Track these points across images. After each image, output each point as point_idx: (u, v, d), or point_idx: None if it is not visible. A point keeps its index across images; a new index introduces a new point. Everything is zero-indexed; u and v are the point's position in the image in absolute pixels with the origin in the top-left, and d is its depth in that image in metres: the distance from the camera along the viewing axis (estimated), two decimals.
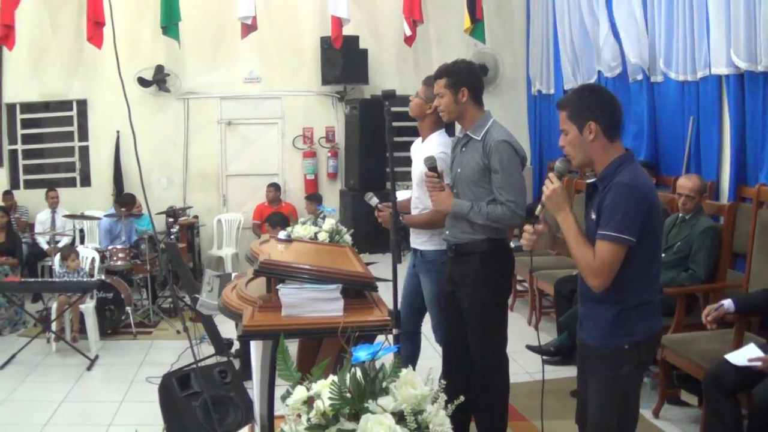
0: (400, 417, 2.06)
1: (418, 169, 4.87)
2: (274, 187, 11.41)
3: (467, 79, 4.39)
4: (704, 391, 4.59)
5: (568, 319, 6.41)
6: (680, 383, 5.43)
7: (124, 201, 9.71)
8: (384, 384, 2.11)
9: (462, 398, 2.14)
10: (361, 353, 2.11)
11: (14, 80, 11.43)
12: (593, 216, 3.24)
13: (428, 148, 4.84)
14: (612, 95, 3.34)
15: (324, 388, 2.11)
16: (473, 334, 4.36)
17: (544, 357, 6.41)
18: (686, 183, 5.97)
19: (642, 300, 3.21)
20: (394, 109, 4.27)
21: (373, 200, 4.98)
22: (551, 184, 3.28)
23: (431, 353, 5.56)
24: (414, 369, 2.21)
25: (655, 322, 3.30)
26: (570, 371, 5.47)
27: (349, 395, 2.08)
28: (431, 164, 4.43)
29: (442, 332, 4.86)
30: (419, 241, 4.96)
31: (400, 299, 5.04)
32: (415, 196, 5.03)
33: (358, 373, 2.11)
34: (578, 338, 3.50)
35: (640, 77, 8.09)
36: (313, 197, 11.26)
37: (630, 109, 8.35)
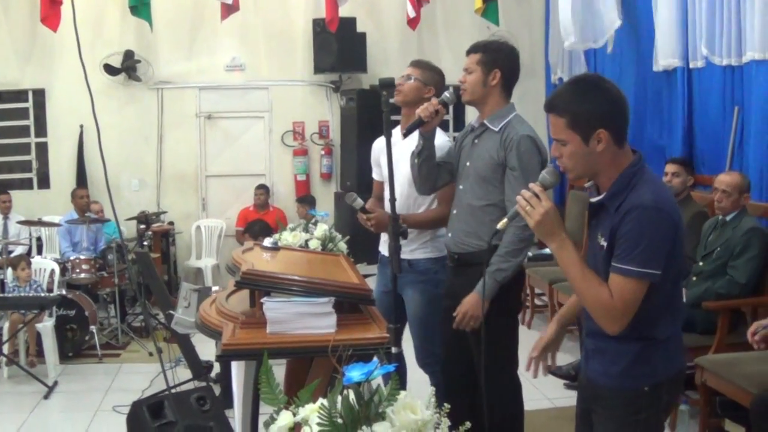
0: None
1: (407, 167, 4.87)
2: (264, 190, 11.45)
3: (504, 62, 4.42)
4: (752, 421, 4.58)
5: None
6: (724, 411, 5.40)
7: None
8: (380, 408, 2.11)
9: (469, 424, 2.15)
10: (354, 373, 2.11)
11: None
12: (602, 242, 3.01)
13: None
14: (619, 90, 3.02)
15: (312, 413, 2.11)
16: (478, 356, 4.34)
17: (565, 381, 6.43)
18: (725, 178, 6.02)
19: (671, 333, 3.06)
20: (393, 100, 4.26)
21: (357, 202, 4.87)
22: (540, 204, 2.99)
23: (420, 376, 5.52)
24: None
25: (680, 359, 3.15)
26: None
27: (340, 421, 2.08)
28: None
29: (441, 353, 4.85)
30: (407, 249, 4.91)
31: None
32: (404, 196, 4.98)
33: (351, 396, 2.11)
34: (582, 375, 3.35)
35: (676, 62, 8.11)
36: (306, 199, 11.26)
37: (662, 100, 8.40)
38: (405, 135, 4.52)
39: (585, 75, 3.52)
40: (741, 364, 5.16)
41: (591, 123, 2.92)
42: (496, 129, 4.35)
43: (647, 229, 2.85)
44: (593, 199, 3.10)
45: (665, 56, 8.21)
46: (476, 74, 4.42)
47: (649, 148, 8.89)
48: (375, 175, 5.42)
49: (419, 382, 5.11)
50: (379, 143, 5.29)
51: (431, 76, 4.95)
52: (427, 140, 4.47)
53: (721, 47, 7.38)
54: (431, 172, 4.57)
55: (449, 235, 4.57)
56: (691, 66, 7.95)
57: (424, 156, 4.50)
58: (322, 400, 2.13)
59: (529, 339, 4.77)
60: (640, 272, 2.86)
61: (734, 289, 5.73)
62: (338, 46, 11.25)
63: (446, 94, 4.39)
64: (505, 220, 3.17)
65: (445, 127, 8.29)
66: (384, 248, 5.15)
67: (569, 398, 4.30)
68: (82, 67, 2.99)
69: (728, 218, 5.94)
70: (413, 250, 4.96)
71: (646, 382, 3.02)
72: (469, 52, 4.50)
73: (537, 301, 8.78)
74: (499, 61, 4.40)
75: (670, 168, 6.79)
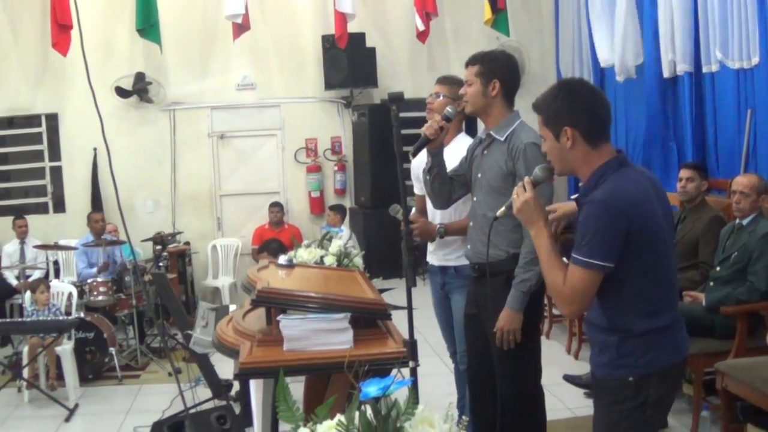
0: None
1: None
2: (279, 208, 11.46)
3: (502, 72, 4.44)
4: None
5: None
6: (746, 417, 5.37)
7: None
8: (398, 423, 2.11)
9: None
10: (371, 388, 2.11)
11: None
12: None
13: (458, 151, 4.85)
14: (595, 92, 3.26)
15: (330, 429, 2.12)
16: (501, 364, 4.35)
17: (586, 390, 6.40)
18: (742, 180, 6.00)
19: (649, 328, 3.08)
20: (403, 114, 4.25)
21: (401, 213, 4.99)
22: (523, 194, 3.21)
23: (442, 390, 5.51)
24: None
25: (669, 353, 3.15)
26: None
27: None
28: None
29: (467, 361, 4.89)
30: (452, 256, 5.05)
31: (440, 331, 5.33)
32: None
33: (368, 411, 2.11)
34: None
35: (688, 68, 8.12)
36: (338, 209, 11.34)
37: (675, 105, 8.41)
38: (413, 155, 4.55)
39: (568, 79, 3.71)
40: (761, 368, 5.13)
41: (558, 121, 3.14)
42: (502, 138, 4.38)
43: (593, 221, 3.02)
44: (572, 197, 3.32)
45: (678, 62, 8.20)
46: (476, 86, 4.45)
47: (663, 153, 8.88)
48: (416, 190, 5.44)
49: (441, 395, 5.11)
50: (416, 160, 5.27)
51: (458, 90, 4.95)
52: (435, 157, 4.51)
53: (733, 50, 7.37)
54: (443, 187, 4.60)
55: (468, 246, 4.60)
56: (704, 70, 7.93)
57: (434, 173, 4.54)
58: (339, 417, 2.14)
59: (548, 349, 4.77)
60: (585, 262, 3.01)
61: (755, 295, 5.69)
62: (348, 62, 11.30)
63: (449, 108, 4.43)
64: (503, 208, 3.40)
65: None
66: (431, 258, 5.24)
67: (589, 407, 4.30)
68: (92, 92, 3.01)
69: (745, 222, 5.91)
70: (458, 257, 4.99)
71: (629, 373, 3.11)
72: (467, 64, 4.54)
73: (555, 311, 8.74)
74: (497, 71, 4.43)
75: (684, 173, 6.75)
